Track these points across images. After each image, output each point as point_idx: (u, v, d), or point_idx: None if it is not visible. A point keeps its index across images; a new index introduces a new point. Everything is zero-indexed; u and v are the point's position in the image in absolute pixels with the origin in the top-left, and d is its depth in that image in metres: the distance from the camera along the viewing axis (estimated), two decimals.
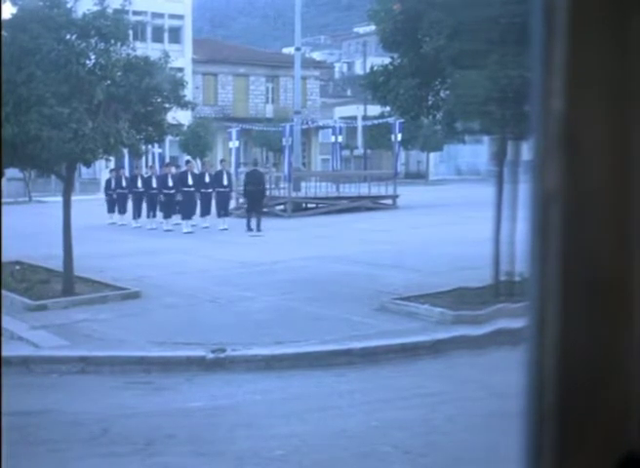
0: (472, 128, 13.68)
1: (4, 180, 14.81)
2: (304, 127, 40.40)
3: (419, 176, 52.26)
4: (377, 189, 29.70)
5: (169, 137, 27.20)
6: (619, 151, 0.88)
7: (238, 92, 54.46)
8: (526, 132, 8.89)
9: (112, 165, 23.45)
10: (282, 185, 28.43)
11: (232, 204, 26.15)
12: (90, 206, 28.52)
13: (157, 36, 44.20)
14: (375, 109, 42.65)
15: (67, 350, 9.96)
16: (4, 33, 11.94)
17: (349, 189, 30.08)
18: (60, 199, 13.84)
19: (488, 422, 6.75)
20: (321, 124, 52.15)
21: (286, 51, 67.06)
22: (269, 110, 54.63)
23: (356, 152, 55.32)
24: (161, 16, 46.37)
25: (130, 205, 26.03)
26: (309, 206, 29.07)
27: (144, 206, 25.26)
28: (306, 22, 54.05)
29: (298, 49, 33.74)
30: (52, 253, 14.50)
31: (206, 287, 13.69)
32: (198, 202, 23.70)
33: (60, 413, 7.74)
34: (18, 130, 11.61)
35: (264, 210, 24.70)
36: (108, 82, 12.50)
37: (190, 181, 23.73)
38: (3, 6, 12.51)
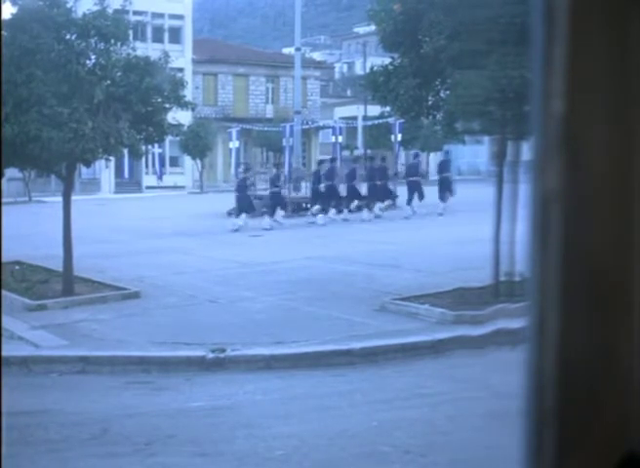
0: (472, 128, 13.67)
1: (4, 180, 14.80)
2: (304, 127, 40.37)
3: None
4: None
5: (169, 138, 27.19)
6: (619, 151, 0.89)
7: (238, 92, 54.41)
8: (526, 132, 8.89)
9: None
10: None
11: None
12: (89, 206, 28.49)
13: (157, 36, 44.12)
14: (375, 109, 42.65)
15: (67, 350, 9.95)
16: (4, 33, 11.94)
17: None
18: (59, 199, 13.83)
19: (488, 422, 6.75)
20: (321, 124, 52.08)
21: (286, 51, 67.00)
22: (269, 110, 54.59)
23: (356, 152, 55.28)
24: (161, 16, 46.38)
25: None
26: (309, 206, 29.02)
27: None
28: (306, 22, 54.11)
29: (298, 49, 33.73)
30: (52, 253, 14.49)
31: (206, 287, 13.69)
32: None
33: (60, 413, 7.73)
34: (18, 130, 11.61)
35: (264, 209, 24.82)
36: (108, 82, 12.49)
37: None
38: (3, 6, 12.53)
